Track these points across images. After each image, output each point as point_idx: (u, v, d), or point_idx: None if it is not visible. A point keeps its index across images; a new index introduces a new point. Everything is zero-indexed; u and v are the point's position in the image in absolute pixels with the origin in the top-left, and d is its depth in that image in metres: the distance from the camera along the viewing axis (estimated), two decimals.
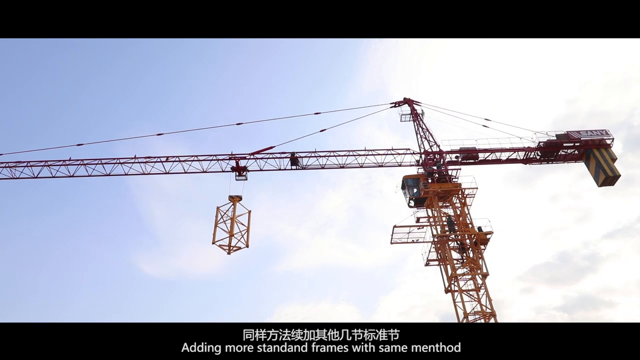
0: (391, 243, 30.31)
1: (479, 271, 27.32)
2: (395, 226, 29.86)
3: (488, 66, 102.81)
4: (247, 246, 31.04)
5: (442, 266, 28.85)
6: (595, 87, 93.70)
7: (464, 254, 28.36)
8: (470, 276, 27.47)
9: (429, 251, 29.37)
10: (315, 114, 37.53)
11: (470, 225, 29.15)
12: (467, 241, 28.51)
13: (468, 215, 29.88)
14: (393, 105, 36.56)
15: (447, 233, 28.67)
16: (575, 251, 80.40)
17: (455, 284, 27.42)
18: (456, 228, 28.81)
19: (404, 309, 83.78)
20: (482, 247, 28.57)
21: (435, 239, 29.08)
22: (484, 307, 26.43)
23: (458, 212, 30.14)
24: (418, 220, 30.75)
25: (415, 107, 36.20)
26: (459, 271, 27.69)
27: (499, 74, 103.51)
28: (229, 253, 30.21)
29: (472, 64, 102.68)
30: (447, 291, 27.74)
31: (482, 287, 27.11)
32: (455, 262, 28.27)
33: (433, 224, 29.84)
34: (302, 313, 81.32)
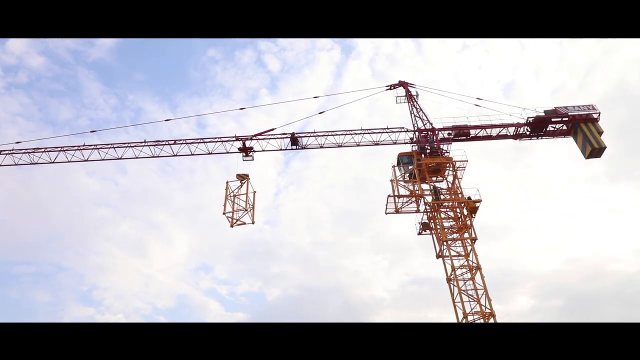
0: (386, 213, 31.85)
1: (467, 235, 28.76)
2: (389, 196, 31.40)
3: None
4: (253, 222, 33.16)
5: (433, 234, 30.34)
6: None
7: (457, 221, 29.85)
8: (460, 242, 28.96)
9: (422, 220, 30.88)
10: (314, 97, 39.60)
11: (460, 195, 30.64)
12: (458, 210, 30.05)
13: (459, 187, 31.41)
14: (388, 87, 38.23)
15: (435, 201, 30.10)
16: None
17: (447, 249, 28.85)
18: (442, 197, 30.26)
19: None
20: (472, 215, 30.04)
21: (428, 207, 30.57)
22: (483, 307, 26.98)
23: (449, 185, 31.74)
24: (412, 192, 32.28)
25: (410, 89, 37.83)
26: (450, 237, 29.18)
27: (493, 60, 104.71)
28: (231, 226, 32.23)
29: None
30: (438, 256, 29.22)
31: (472, 252, 28.55)
32: (446, 230, 29.75)
33: (426, 194, 31.37)
34: None
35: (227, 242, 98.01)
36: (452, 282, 27.98)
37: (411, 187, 32.58)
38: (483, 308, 26.98)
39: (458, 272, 28.03)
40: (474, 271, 27.84)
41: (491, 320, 26.57)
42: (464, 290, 27.54)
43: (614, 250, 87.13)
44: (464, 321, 26.79)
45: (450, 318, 27.65)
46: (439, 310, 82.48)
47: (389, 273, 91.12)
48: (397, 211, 31.67)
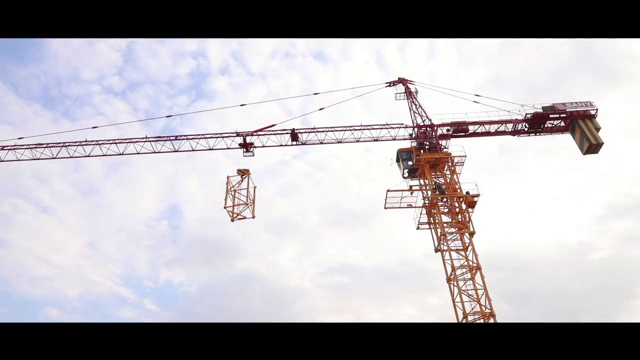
0: (385, 208, 32.20)
1: (465, 230, 29.06)
2: (389, 190, 31.75)
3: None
4: (254, 217, 33.43)
5: (432, 228, 30.67)
6: None
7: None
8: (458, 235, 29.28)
9: (420, 215, 31.23)
10: (314, 94, 40.00)
11: (459, 190, 30.95)
12: (456, 203, 30.37)
13: (457, 182, 31.72)
14: (388, 84, 38.55)
15: (437, 195, 30.42)
16: None
17: (445, 243, 29.14)
18: (446, 192, 30.53)
19: None
20: (470, 209, 30.38)
21: (427, 201, 30.89)
22: (483, 307, 27.00)
23: (448, 180, 32.05)
24: (411, 187, 32.63)
25: (409, 86, 38.16)
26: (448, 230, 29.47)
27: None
28: (232, 220, 32.52)
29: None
30: (437, 250, 29.54)
31: (470, 246, 28.87)
32: (444, 225, 30.05)
33: (425, 189, 31.70)
34: None
35: (123, 229, 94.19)
36: (452, 282, 28.13)
37: (411, 183, 33.02)
38: (483, 308, 27.09)
39: (456, 271, 28.25)
40: (473, 271, 27.98)
41: (491, 320, 26.66)
42: (464, 291, 27.64)
43: (532, 238, 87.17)
44: (464, 321, 26.89)
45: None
46: (366, 302, 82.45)
47: (301, 262, 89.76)
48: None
